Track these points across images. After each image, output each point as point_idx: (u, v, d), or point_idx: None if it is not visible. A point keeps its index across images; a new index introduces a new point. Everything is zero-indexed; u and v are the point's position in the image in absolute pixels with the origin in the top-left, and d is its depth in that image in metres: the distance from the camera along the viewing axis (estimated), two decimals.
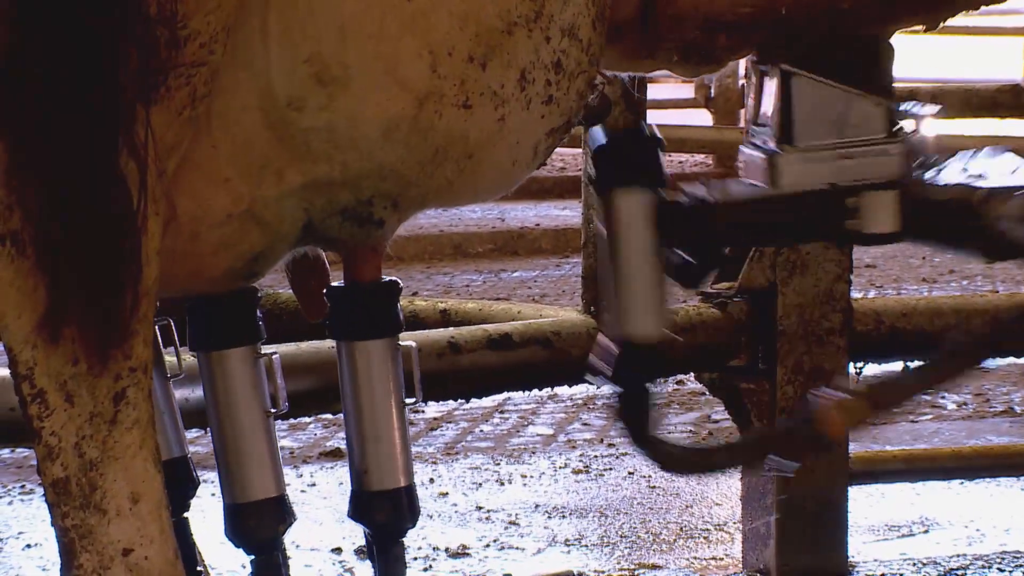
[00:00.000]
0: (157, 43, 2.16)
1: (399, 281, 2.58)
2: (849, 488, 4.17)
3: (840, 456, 4.13)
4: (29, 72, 2.12)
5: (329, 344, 3.59)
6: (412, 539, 4.61)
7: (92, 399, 2.19)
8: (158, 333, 2.55)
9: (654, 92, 7.44)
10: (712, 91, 13.07)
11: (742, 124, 10.36)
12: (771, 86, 2.57)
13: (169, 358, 2.63)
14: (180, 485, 2.59)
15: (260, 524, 2.54)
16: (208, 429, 2.62)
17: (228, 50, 2.24)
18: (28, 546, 4.70)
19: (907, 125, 2.55)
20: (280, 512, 2.55)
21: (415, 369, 2.58)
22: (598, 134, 2.57)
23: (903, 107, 2.57)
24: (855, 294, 4.22)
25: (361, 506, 2.58)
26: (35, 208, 2.16)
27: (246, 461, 2.53)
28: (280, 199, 2.35)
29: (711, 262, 2.58)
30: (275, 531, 2.55)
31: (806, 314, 4.08)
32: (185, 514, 2.61)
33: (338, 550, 4.56)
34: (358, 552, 4.56)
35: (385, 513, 2.57)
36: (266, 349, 2.62)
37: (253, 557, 2.58)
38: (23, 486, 5.32)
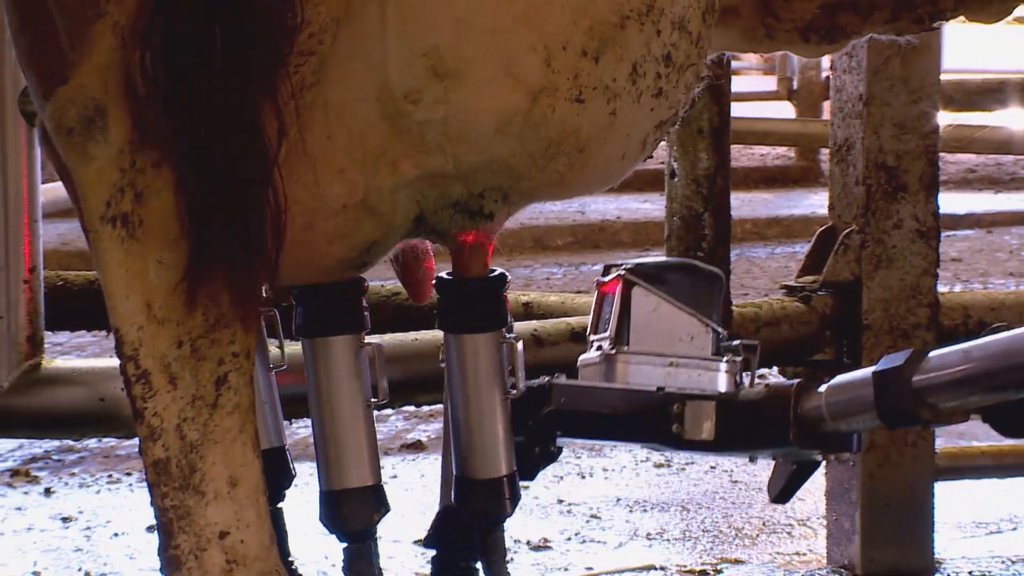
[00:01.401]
0: (290, 25, 2.22)
1: (507, 274, 2.61)
2: (935, 484, 4.13)
3: (926, 451, 4.10)
4: (172, 48, 2.18)
5: (412, 336, 3.62)
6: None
7: (195, 382, 2.22)
8: (263, 324, 2.59)
9: (737, 85, 7.38)
10: (795, 84, 13.00)
11: (826, 116, 10.28)
12: (612, 296, 2.81)
13: (273, 350, 2.66)
14: (276, 476, 2.61)
15: (355, 512, 2.56)
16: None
17: (345, 42, 2.27)
18: (116, 535, 4.74)
19: (733, 351, 2.80)
20: (375, 501, 2.57)
21: (518, 362, 2.60)
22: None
23: (729, 339, 2.83)
24: (941, 288, 4.18)
25: (463, 493, 2.62)
26: (151, 188, 2.20)
27: (344, 448, 2.55)
28: (394, 190, 2.38)
29: (544, 452, 2.77)
30: (369, 520, 2.57)
31: (892, 308, 4.05)
32: (280, 504, 2.63)
33: (420, 542, 4.57)
34: None
35: (485, 501, 2.61)
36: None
37: (345, 545, 2.59)
38: (110, 475, 5.36)
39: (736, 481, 5.29)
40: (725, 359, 2.80)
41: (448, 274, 2.61)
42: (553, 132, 2.38)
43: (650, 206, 10.74)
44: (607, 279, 2.82)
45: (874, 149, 4.02)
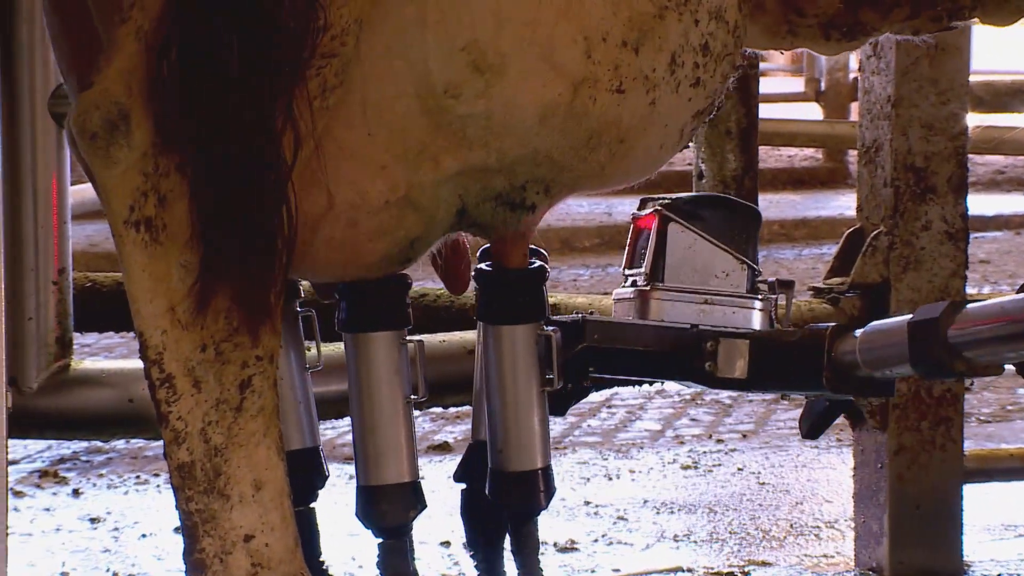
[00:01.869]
0: (310, 28, 2.22)
1: (546, 267, 2.60)
2: (964, 486, 4.12)
3: (955, 454, 4.08)
4: (189, 53, 2.19)
5: (439, 338, 3.61)
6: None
7: (219, 385, 2.23)
8: (300, 324, 2.59)
9: (764, 86, 7.38)
10: (822, 84, 12.97)
11: (853, 118, 10.26)
12: (649, 230, 2.79)
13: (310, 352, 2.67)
14: (309, 475, 2.62)
15: (391, 508, 2.56)
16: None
17: (383, 39, 2.28)
18: (144, 536, 4.75)
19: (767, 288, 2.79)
20: (412, 498, 2.57)
21: (556, 355, 2.60)
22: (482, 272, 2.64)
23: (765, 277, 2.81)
24: (969, 290, 4.17)
25: (497, 486, 2.61)
26: (174, 192, 2.20)
27: (383, 444, 2.55)
28: (436, 185, 2.38)
29: (576, 388, 2.75)
30: (406, 516, 2.57)
31: None
32: (312, 504, 2.63)
33: (447, 543, 4.57)
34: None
35: (520, 494, 2.61)
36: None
37: (380, 541, 2.60)
38: (138, 476, 5.38)
39: (763, 483, 5.28)
40: (760, 297, 2.77)
41: (488, 265, 2.61)
42: (594, 123, 2.39)
43: None
44: (643, 213, 2.78)
45: (903, 151, 4.01)
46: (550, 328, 2.62)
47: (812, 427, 2.83)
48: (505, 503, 2.62)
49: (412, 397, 2.57)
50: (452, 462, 5.50)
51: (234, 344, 2.22)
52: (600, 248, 10.35)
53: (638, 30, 2.36)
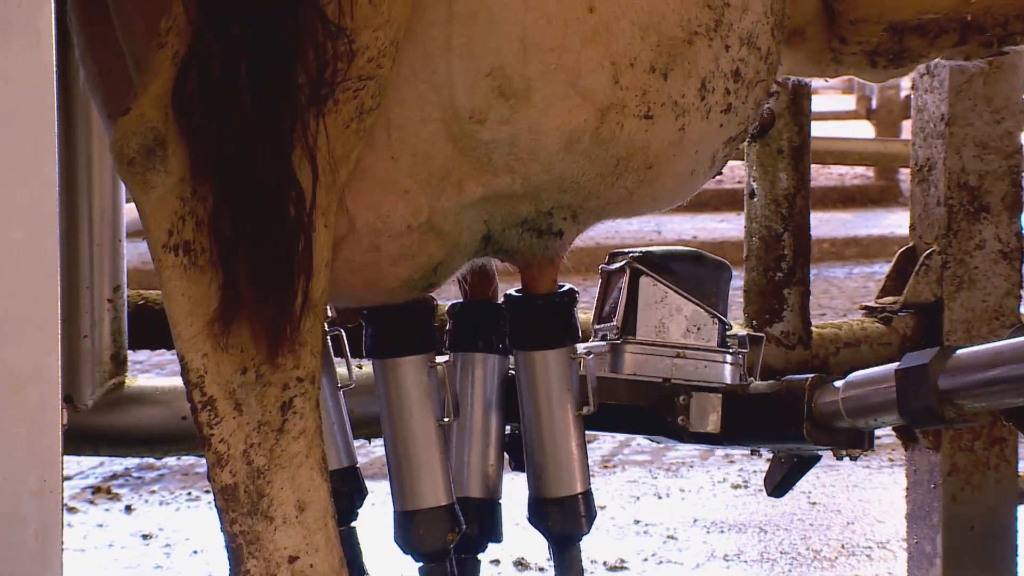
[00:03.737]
0: (327, 57, 2.20)
1: (576, 289, 2.59)
2: (1018, 507, 4.09)
3: (1009, 475, 4.06)
4: (206, 81, 2.18)
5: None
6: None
7: (260, 408, 2.23)
8: (330, 344, 2.58)
9: (816, 104, 7.37)
10: (874, 103, 12.93)
11: (905, 136, 10.20)
12: (620, 284, 2.77)
13: (341, 370, 2.66)
14: (348, 495, 2.61)
15: (429, 532, 2.55)
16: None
17: (408, 63, 2.27)
18: (195, 552, 4.76)
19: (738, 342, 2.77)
20: (449, 521, 2.56)
21: (590, 378, 2.59)
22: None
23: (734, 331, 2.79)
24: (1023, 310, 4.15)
25: (537, 512, 2.61)
26: (209, 215, 2.20)
27: (417, 468, 2.55)
28: (460, 210, 2.37)
29: None
30: (443, 540, 2.57)
31: (974, 330, 4.01)
32: (353, 523, 2.63)
33: (497, 562, 4.57)
34: (518, 564, 4.56)
35: (560, 520, 2.60)
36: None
37: (421, 565, 2.59)
38: (189, 493, 5.40)
39: (814, 503, 5.26)
40: (731, 350, 2.76)
41: (517, 291, 2.60)
42: (622, 149, 2.36)
43: (727, 225, 10.70)
44: (613, 267, 2.77)
45: (956, 169, 3.99)
46: (583, 351, 2.61)
47: (779, 485, 2.81)
48: (546, 529, 2.61)
49: (444, 420, 2.56)
50: None
51: (274, 366, 2.21)
52: None
53: (667, 55, 2.34)
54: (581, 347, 2.68)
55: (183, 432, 3.45)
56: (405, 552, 2.59)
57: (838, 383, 2.65)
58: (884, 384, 2.58)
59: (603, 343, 2.74)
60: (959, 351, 2.52)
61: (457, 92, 2.30)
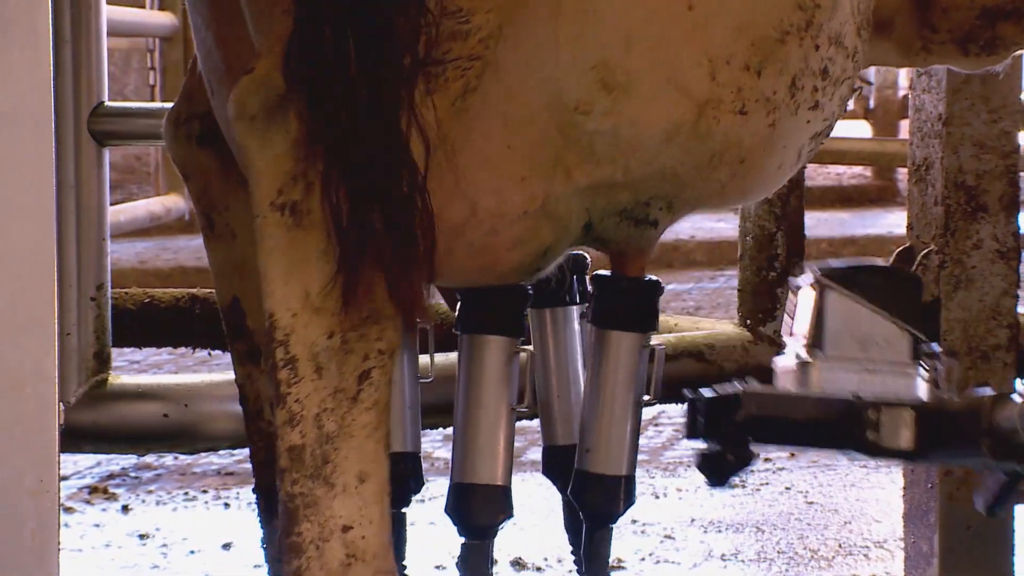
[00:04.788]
0: (440, 33, 2.28)
1: (660, 282, 2.65)
2: (1016, 507, 4.09)
3: None
4: (321, 46, 2.23)
5: None
6: (568, 551, 4.60)
7: (339, 374, 2.26)
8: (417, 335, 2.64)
9: None
10: (871, 102, 12.93)
11: (903, 135, 10.20)
12: (806, 299, 2.77)
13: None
14: (406, 480, 2.66)
15: (481, 507, 2.60)
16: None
17: (520, 56, 2.36)
18: (192, 552, 4.76)
19: (929, 356, 2.76)
20: (501, 502, 2.61)
21: (657, 370, 2.64)
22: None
23: (927, 343, 2.79)
24: (1021, 309, 4.14)
25: (579, 485, 2.65)
26: (322, 180, 2.24)
27: (481, 445, 2.60)
28: (569, 197, 2.45)
29: (741, 455, 2.74)
30: (493, 518, 2.61)
31: (971, 329, 4.01)
32: (404, 509, 2.66)
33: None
34: (515, 564, 4.56)
35: (600, 496, 2.64)
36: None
37: (464, 540, 2.63)
38: (186, 493, 5.39)
39: (811, 502, 5.26)
40: (923, 365, 2.77)
41: (606, 272, 2.66)
42: (717, 143, 2.44)
43: (724, 225, 10.70)
44: (801, 282, 2.82)
45: (953, 169, 3.99)
46: (656, 343, 2.66)
47: (993, 503, 2.80)
48: (584, 504, 2.65)
49: (517, 407, 2.62)
50: None
51: (360, 335, 2.25)
52: (648, 266, 10.35)
53: (761, 54, 2.42)
54: (777, 359, 2.75)
55: (166, 429, 3.46)
56: (454, 523, 2.64)
57: (1018, 398, 2.65)
58: None
59: (792, 360, 2.78)
60: None
61: (564, 84, 2.38)
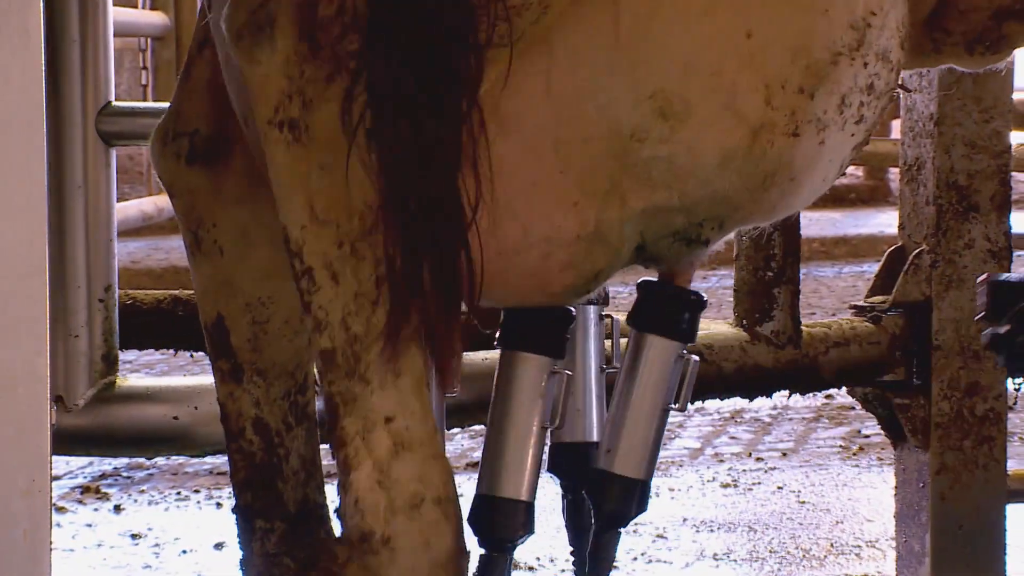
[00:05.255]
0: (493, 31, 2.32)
1: (704, 297, 2.68)
2: (1007, 506, 4.10)
3: (998, 473, 4.06)
4: (390, 81, 2.28)
5: (482, 356, 3.61)
6: (560, 551, 4.61)
7: (356, 280, 2.29)
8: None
9: None
10: None
11: (895, 135, 10.21)
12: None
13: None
14: None
15: (502, 521, 2.62)
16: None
17: (576, 84, 2.40)
18: (184, 552, 4.76)
19: None
20: (524, 517, 2.63)
21: (688, 380, 2.66)
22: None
23: None
24: None
25: (597, 483, 2.67)
26: (320, 97, 2.28)
27: (509, 459, 2.62)
28: (622, 222, 2.48)
29: None
30: (513, 532, 2.63)
31: (962, 329, 4.02)
32: None
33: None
34: None
35: (615, 496, 2.65)
36: None
37: (483, 552, 2.65)
38: (178, 493, 5.39)
39: (803, 502, 5.26)
40: None
41: (653, 278, 2.69)
42: (770, 166, 2.47)
43: None
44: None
45: (945, 168, 4.00)
46: (693, 355, 2.68)
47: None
48: (599, 502, 2.67)
49: (548, 426, 2.64)
50: None
51: (368, 243, 2.28)
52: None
53: (815, 77, 2.45)
54: None
55: (175, 432, 3.45)
56: (474, 533, 2.65)
57: None
58: None
59: None
60: None
61: (620, 112, 2.41)
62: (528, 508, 2.62)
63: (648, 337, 2.64)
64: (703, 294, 2.69)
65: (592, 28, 2.39)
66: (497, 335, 2.65)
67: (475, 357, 3.56)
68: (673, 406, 2.66)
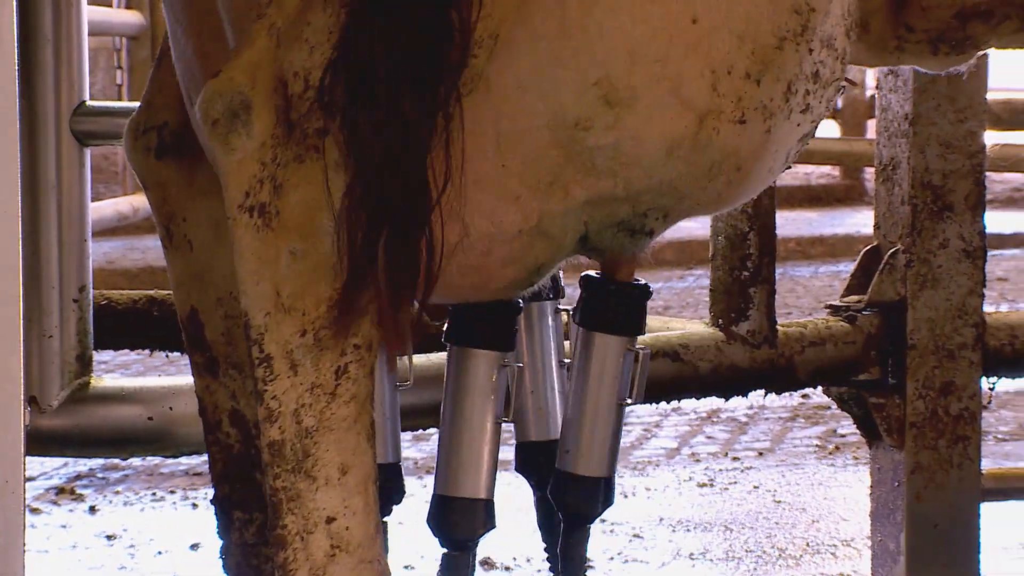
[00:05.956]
0: (463, 46, 2.31)
1: (650, 285, 2.66)
2: (981, 505, 4.10)
3: (972, 473, 4.07)
4: (365, 68, 2.26)
5: (436, 357, 3.61)
6: (537, 550, 4.61)
7: (315, 370, 2.28)
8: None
9: None
10: (839, 102, 12.97)
11: (870, 135, 10.25)
12: None
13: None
14: (388, 490, 2.66)
15: (462, 521, 2.62)
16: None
17: (517, 75, 2.36)
18: (159, 553, 4.75)
19: None
20: (483, 516, 2.62)
21: (640, 372, 2.65)
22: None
23: None
24: (987, 308, 4.16)
25: (559, 486, 2.67)
26: (290, 182, 2.27)
27: (464, 458, 2.61)
28: (565, 214, 2.45)
29: None
30: (474, 531, 2.63)
31: (937, 328, 4.02)
32: (386, 519, 2.66)
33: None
34: (484, 564, 4.56)
35: (579, 497, 2.65)
36: None
37: (445, 552, 2.65)
38: (154, 493, 5.38)
39: (779, 501, 5.27)
40: None
41: (596, 273, 2.68)
42: (716, 154, 2.45)
43: (694, 224, 10.69)
44: None
45: (920, 168, 4.00)
46: (640, 347, 2.66)
47: None
48: (563, 504, 2.67)
49: (502, 419, 2.63)
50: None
51: (333, 332, 2.26)
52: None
53: (760, 62, 2.43)
54: None
55: (150, 432, 3.44)
56: (435, 535, 2.65)
57: None
58: None
59: None
60: None
61: (564, 101, 2.38)
62: (487, 505, 2.61)
63: (595, 335, 2.64)
64: (644, 280, 2.67)
65: (536, 18, 2.36)
66: (444, 330, 2.64)
67: (441, 357, 3.56)
68: (628, 400, 2.66)
